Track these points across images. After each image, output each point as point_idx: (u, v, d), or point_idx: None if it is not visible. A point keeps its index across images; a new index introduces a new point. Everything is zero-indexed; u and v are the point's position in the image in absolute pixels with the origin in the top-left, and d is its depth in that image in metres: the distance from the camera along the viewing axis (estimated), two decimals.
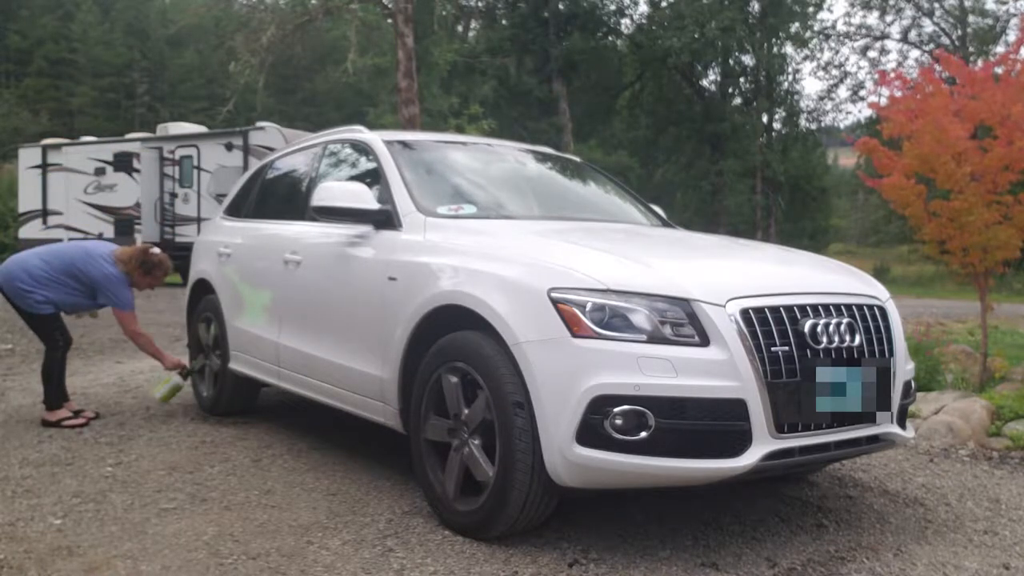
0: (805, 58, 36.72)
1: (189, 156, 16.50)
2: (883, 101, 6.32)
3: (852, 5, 36.92)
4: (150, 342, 4.90)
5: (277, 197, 4.94)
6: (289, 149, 5.10)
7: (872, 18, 51.05)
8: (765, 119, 34.24)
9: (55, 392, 4.73)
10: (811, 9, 33.83)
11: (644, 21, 34.11)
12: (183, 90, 44.98)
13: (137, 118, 42.40)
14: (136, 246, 4.97)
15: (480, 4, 34.28)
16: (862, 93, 34.95)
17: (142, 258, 4.81)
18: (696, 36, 29.16)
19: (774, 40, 32.34)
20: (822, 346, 2.78)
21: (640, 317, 2.65)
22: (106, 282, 4.68)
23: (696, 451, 2.59)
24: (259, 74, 19.60)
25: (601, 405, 2.58)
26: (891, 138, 5.73)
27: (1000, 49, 31.07)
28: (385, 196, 3.71)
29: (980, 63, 18.91)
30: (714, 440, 2.61)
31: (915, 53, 35.92)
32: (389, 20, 18.85)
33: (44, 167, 18.42)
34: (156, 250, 4.93)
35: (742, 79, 34.37)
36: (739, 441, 2.62)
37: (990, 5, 39.66)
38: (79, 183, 17.81)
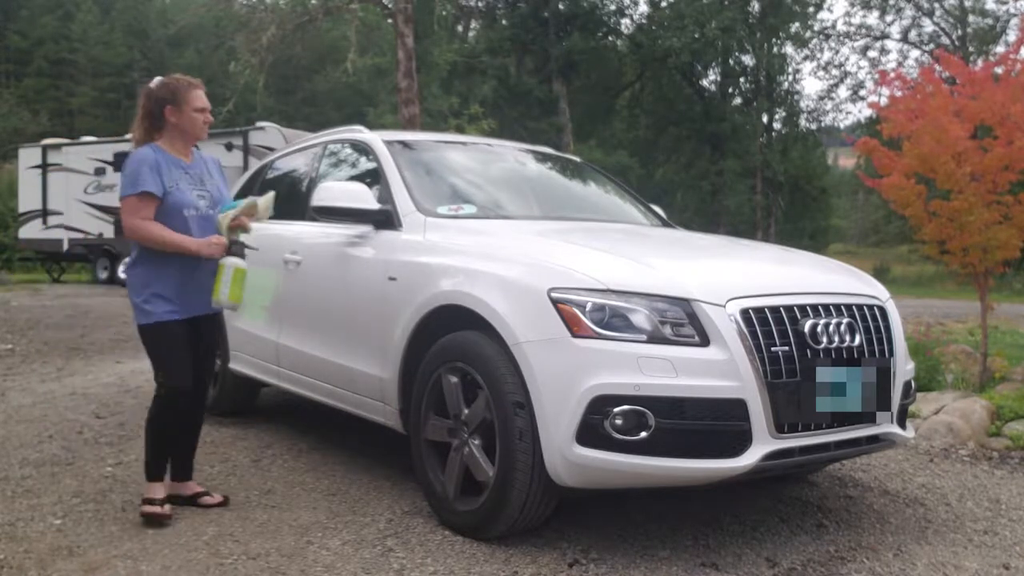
0: (805, 58, 36.72)
1: None
2: (883, 101, 6.32)
3: (852, 5, 36.85)
4: (157, 232, 3.09)
5: (277, 197, 4.93)
6: (289, 149, 5.10)
7: (872, 18, 51.06)
8: (765, 119, 34.22)
9: (155, 455, 3.21)
10: (811, 9, 33.83)
11: (644, 21, 34.10)
12: None
13: None
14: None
15: (480, 4, 34.28)
16: (862, 93, 34.96)
17: (153, 96, 3.18)
18: (696, 36, 29.16)
19: (774, 40, 32.33)
20: (822, 346, 2.78)
21: (640, 317, 2.65)
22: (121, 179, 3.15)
23: (696, 451, 2.60)
24: (259, 74, 19.58)
25: (601, 405, 2.58)
26: (891, 138, 5.73)
27: (1000, 49, 31.07)
28: (385, 196, 3.71)
29: (980, 63, 18.92)
30: (714, 440, 2.61)
31: (915, 53, 35.94)
32: (389, 20, 18.84)
33: (44, 167, 18.41)
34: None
35: (742, 79, 34.36)
36: (739, 441, 2.62)
37: (990, 5, 39.65)
38: (79, 183, 17.80)
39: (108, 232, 17.30)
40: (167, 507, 3.15)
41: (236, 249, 3.25)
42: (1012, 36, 33.25)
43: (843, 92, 54.34)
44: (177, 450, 3.32)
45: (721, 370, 2.61)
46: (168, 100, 3.16)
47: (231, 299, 3.20)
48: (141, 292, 3.13)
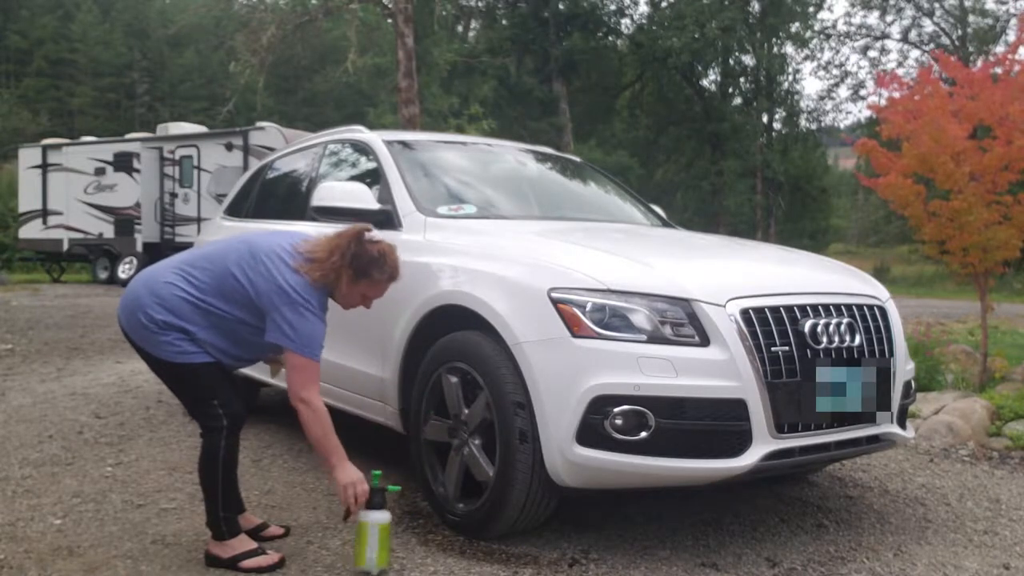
0: (805, 58, 36.72)
1: (189, 156, 16.51)
2: (883, 102, 6.32)
3: (852, 5, 36.92)
4: (326, 427, 2.63)
5: (277, 197, 4.94)
6: (289, 149, 5.10)
7: (872, 18, 51.03)
8: (765, 119, 34.23)
9: (222, 502, 2.70)
10: (811, 9, 33.84)
11: (644, 21, 34.10)
12: (183, 90, 44.91)
13: (137, 118, 42.35)
14: (340, 232, 2.74)
15: (480, 4, 34.28)
16: (862, 93, 34.98)
17: (352, 249, 2.68)
18: (696, 36, 29.16)
19: (774, 40, 32.34)
20: (822, 346, 2.79)
21: (640, 317, 2.65)
22: (277, 296, 2.59)
23: (696, 451, 2.60)
24: (259, 74, 19.60)
25: (601, 405, 2.58)
26: (890, 139, 5.74)
27: (1000, 49, 31.08)
28: (385, 196, 3.71)
29: (980, 63, 18.92)
30: (714, 440, 2.61)
31: (915, 53, 35.96)
32: (389, 20, 18.86)
33: (44, 167, 18.43)
34: (375, 234, 2.80)
35: (742, 79, 34.37)
36: (739, 441, 2.62)
37: (990, 5, 39.69)
38: (79, 183, 17.82)
39: (108, 232, 17.32)
40: (272, 552, 2.73)
41: (378, 499, 2.64)
42: (1012, 36, 33.24)
43: (843, 92, 54.41)
44: (230, 484, 2.77)
45: (721, 370, 2.61)
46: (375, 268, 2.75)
47: (379, 564, 2.61)
48: (181, 335, 2.63)
